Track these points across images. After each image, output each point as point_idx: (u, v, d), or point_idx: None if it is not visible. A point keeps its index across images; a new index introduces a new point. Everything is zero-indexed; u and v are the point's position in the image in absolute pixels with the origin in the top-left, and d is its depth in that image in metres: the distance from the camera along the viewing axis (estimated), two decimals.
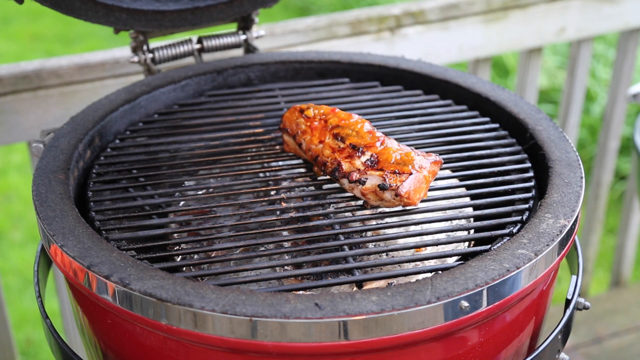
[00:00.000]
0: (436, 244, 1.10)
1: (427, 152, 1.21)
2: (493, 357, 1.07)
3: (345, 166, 1.19)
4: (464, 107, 1.46)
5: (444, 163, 1.31)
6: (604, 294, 2.94)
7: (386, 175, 1.15)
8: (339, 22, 2.04)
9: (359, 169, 1.17)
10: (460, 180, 1.30)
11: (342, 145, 1.22)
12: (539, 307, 1.14)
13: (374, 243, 1.15)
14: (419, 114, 1.44)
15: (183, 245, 1.16)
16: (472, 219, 1.21)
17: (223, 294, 0.95)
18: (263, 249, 1.18)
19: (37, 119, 1.80)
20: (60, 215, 1.11)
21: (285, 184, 1.31)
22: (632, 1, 2.36)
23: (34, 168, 1.74)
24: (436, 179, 1.26)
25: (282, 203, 1.24)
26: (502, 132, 1.37)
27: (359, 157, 1.19)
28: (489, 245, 1.09)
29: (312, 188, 1.27)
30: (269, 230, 1.14)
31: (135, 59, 1.57)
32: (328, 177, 1.24)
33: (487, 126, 1.39)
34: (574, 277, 1.23)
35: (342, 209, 1.20)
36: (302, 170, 1.31)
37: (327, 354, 0.95)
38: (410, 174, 1.14)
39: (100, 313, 1.06)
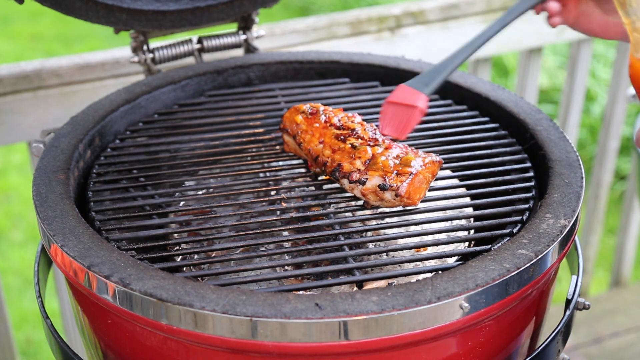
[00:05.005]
0: (436, 244, 1.10)
1: (427, 152, 1.21)
2: (493, 357, 1.07)
3: (346, 166, 1.19)
4: (464, 107, 1.46)
5: (444, 163, 1.31)
6: (604, 294, 2.94)
7: (386, 175, 1.15)
8: (339, 22, 2.04)
9: (359, 169, 1.17)
10: (460, 180, 1.30)
11: (342, 146, 1.22)
12: (539, 307, 1.14)
13: (374, 243, 1.15)
14: None
15: (183, 245, 1.16)
16: (472, 219, 1.21)
17: (223, 294, 0.95)
18: (263, 249, 1.18)
19: (37, 119, 1.80)
20: (60, 215, 1.11)
21: (285, 184, 1.31)
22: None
23: (34, 168, 1.74)
24: (436, 179, 1.26)
25: (283, 203, 1.24)
26: (502, 132, 1.37)
27: (359, 157, 1.19)
28: (489, 246, 1.09)
29: (312, 188, 1.27)
30: (269, 230, 1.14)
31: (136, 59, 1.57)
32: (328, 177, 1.24)
33: (487, 126, 1.39)
34: (574, 277, 1.23)
35: (343, 209, 1.20)
36: (303, 170, 1.31)
37: (327, 354, 0.95)
38: (411, 174, 1.14)
39: (100, 313, 1.06)
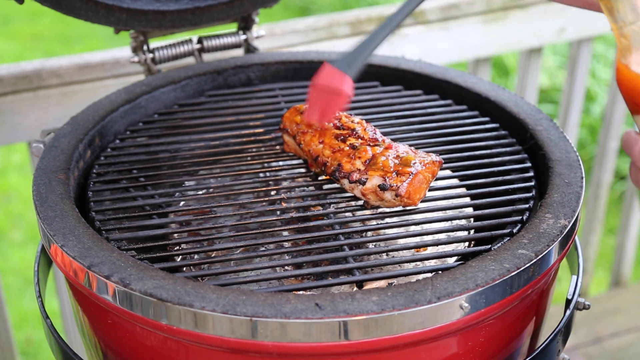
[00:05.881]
0: (436, 244, 1.10)
1: (427, 152, 1.21)
2: (493, 357, 1.07)
3: (346, 166, 1.19)
4: (464, 107, 1.46)
5: (444, 163, 1.31)
6: (604, 294, 2.94)
7: (386, 175, 1.15)
8: (339, 22, 2.04)
9: (359, 169, 1.17)
10: (460, 180, 1.30)
11: (342, 146, 1.22)
12: (539, 307, 1.14)
13: (374, 243, 1.15)
14: (419, 114, 1.44)
15: (183, 246, 1.16)
16: (472, 219, 1.21)
17: (223, 294, 0.95)
18: (263, 249, 1.18)
19: (37, 119, 1.80)
20: (60, 215, 1.11)
21: (285, 184, 1.31)
22: None
23: (34, 168, 1.74)
24: (436, 179, 1.26)
25: (283, 203, 1.24)
26: (502, 132, 1.37)
27: (359, 157, 1.19)
28: (489, 245, 1.09)
29: (312, 188, 1.27)
30: (269, 230, 1.14)
31: (136, 59, 1.57)
32: (328, 177, 1.24)
33: (487, 126, 1.39)
34: (574, 277, 1.23)
35: (343, 209, 1.20)
36: (303, 170, 1.31)
37: (327, 354, 0.95)
38: (411, 174, 1.14)
39: (100, 313, 1.06)
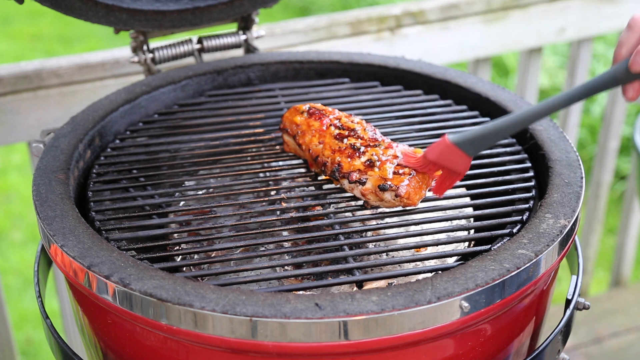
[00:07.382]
0: (436, 244, 1.10)
1: None
2: (493, 357, 1.07)
3: (345, 166, 1.19)
4: (464, 107, 1.46)
5: None
6: (604, 294, 2.94)
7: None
8: (339, 22, 2.04)
9: (359, 170, 1.17)
10: (461, 180, 1.29)
11: (342, 146, 1.22)
12: (539, 307, 1.14)
13: (374, 243, 1.15)
14: (419, 114, 1.44)
15: (183, 245, 1.16)
16: (472, 219, 1.21)
17: (223, 294, 0.95)
18: (263, 249, 1.18)
19: (37, 119, 1.80)
20: (60, 215, 1.11)
21: (285, 184, 1.31)
22: (632, 1, 2.36)
23: (34, 168, 1.74)
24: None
25: (282, 203, 1.24)
26: None
27: (359, 157, 1.19)
28: (489, 245, 1.09)
29: (312, 188, 1.27)
30: (269, 230, 1.14)
31: (136, 59, 1.57)
32: (328, 177, 1.24)
33: None
34: (574, 277, 1.23)
35: (342, 209, 1.20)
36: (302, 170, 1.31)
37: (327, 354, 0.95)
38: (410, 174, 1.14)
39: (100, 313, 1.06)
